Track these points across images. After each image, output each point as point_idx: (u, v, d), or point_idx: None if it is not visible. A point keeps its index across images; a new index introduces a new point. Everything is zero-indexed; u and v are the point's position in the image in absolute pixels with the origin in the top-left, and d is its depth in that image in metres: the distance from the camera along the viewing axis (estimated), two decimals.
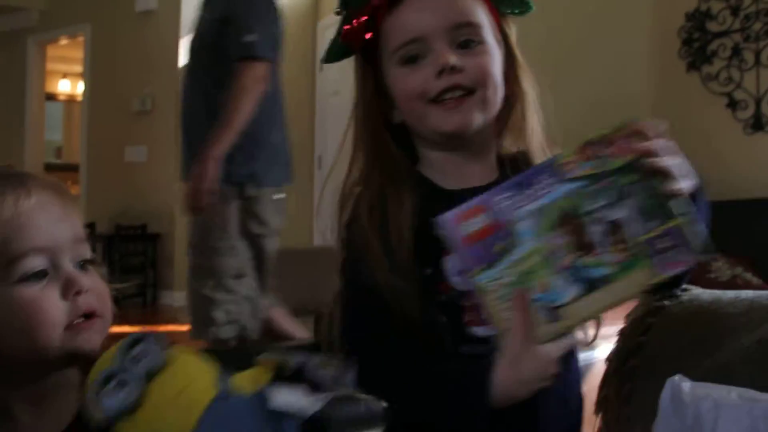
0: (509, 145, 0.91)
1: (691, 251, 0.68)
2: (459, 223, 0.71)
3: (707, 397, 0.71)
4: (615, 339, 1.00)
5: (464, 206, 0.71)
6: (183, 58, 5.40)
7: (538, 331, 0.69)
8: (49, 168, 6.93)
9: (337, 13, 0.86)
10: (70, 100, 8.62)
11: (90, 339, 0.66)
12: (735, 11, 3.84)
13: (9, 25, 6.35)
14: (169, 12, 5.47)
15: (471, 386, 0.75)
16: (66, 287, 0.65)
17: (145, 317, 4.80)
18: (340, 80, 5.80)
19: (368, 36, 0.84)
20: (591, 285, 0.69)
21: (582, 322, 0.70)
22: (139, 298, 5.33)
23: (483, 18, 0.84)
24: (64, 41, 6.36)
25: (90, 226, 5.39)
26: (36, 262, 0.64)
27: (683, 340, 0.93)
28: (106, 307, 0.69)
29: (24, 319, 0.62)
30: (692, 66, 4.02)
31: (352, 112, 0.90)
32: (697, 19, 3.99)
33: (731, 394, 0.72)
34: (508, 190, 0.71)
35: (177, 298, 5.24)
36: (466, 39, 0.82)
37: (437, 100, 0.82)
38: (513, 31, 0.89)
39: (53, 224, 0.66)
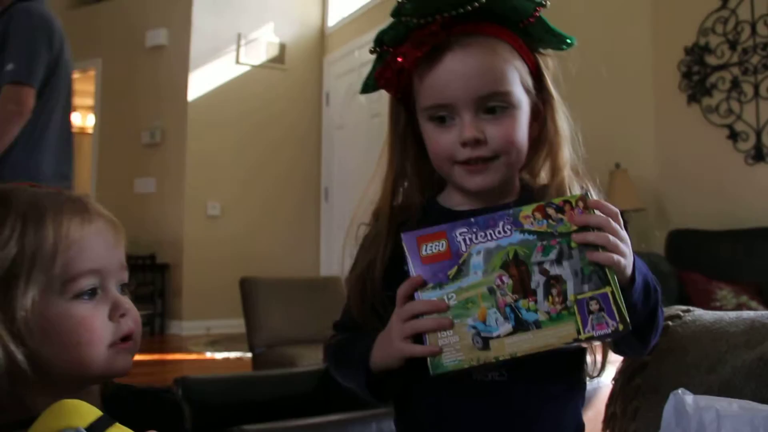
0: (539, 176, 0.94)
1: (614, 318, 0.75)
2: (421, 244, 0.78)
3: (710, 408, 0.75)
4: (622, 359, 1.04)
5: (428, 229, 0.79)
6: (192, 92, 5.52)
7: (467, 354, 0.75)
8: None
9: (371, 52, 0.89)
10: (80, 132, 8.73)
11: (126, 360, 0.71)
12: (733, 45, 3.92)
13: None
14: (179, 47, 5.59)
15: (360, 347, 0.85)
16: (114, 309, 0.70)
17: (153, 346, 4.81)
18: (345, 114, 5.90)
19: (402, 82, 0.87)
20: (522, 326, 0.76)
21: (507, 357, 0.75)
22: (146, 328, 5.32)
23: (513, 77, 0.85)
24: (75, 75, 6.46)
25: None
26: (90, 282, 0.69)
27: (687, 359, 0.96)
28: (139, 330, 0.74)
29: (74, 334, 0.67)
30: (693, 99, 4.09)
31: (384, 144, 0.94)
32: (696, 53, 4.08)
33: (732, 405, 0.75)
34: (469, 226, 0.78)
35: (185, 327, 5.26)
36: (494, 106, 0.84)
37: (462, 162, 0.86)
38: (551, 67, 0.91)
39: (108, 250, 0.72)
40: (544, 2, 0.86)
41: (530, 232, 0.78)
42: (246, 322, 3.25)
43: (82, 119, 8.68)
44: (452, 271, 0.77)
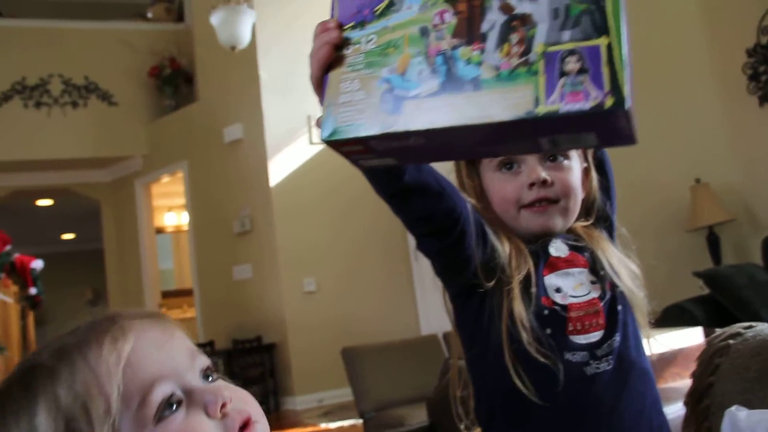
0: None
1: (600, 86, 0.48)
2: None
3: (761, 421, 0.80)
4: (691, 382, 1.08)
5: None
6: (273, 178, 5.83)
7: (370, 117, 0.56)
8: (166, 295, 7.46)
9: None
10: (177, 230, 9.29)
11: None
12: None
13: (118, 172, 7.07)
14: (255, 138, 5.93)
15: None
16: (209, 405, 0.58)
17: (271, 424, 4.97)
18: None
19: None
20: (454, 84, 0.53)
21: (420, 128, 0.53)
22: (263, 406, 5.53)
23: None
24: (165, 179, 6.97)
25: (210, 344, 5.73)
26: (163, 390, 0.57)
27: (749, 374, 1.00)
28: (257, 409, 0.63)
29: None
30: (765, 99, 4.01)
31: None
32: (759, 53, 4.01)
33: None
34: None
35: (298, 402, 5.43)
36: (555, 154, 0.97)
37: (527, 205, 0.98)
38: None
39: (160, 350, 0.60)
40: None
41: None
42: (353, 389, 3.36)
43: (178, 218, 9.25)
44: (381, 6, 0.58)
